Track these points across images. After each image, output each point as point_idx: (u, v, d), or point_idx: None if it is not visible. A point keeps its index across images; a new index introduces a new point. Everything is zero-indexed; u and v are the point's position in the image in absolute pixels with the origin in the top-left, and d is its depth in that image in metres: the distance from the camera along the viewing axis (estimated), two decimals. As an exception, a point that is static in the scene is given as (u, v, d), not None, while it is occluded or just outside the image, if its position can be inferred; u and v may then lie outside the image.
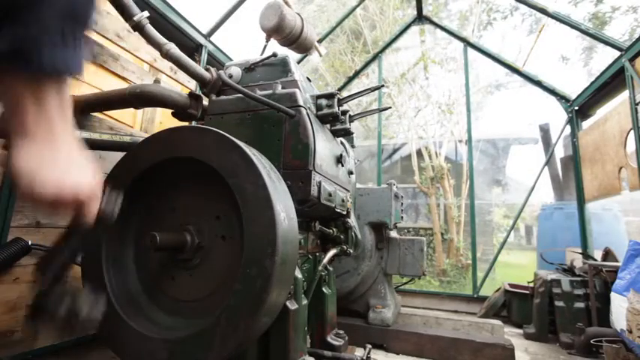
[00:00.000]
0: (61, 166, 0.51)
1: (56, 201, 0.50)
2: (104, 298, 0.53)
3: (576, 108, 3.88)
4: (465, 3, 8.55)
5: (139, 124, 2.53)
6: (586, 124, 3.94)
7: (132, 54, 2.42)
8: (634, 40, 2.90)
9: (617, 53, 3.12)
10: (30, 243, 1.77)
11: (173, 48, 1.57)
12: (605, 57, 3.33)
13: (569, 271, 3.27)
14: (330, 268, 1.89)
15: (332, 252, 1.83)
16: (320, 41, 4.67)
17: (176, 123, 1.77)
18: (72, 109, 0.52)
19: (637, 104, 2.78)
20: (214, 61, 3.27)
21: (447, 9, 8.82)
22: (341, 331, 1.88)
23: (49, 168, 0.49)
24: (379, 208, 2.70)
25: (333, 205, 1.64)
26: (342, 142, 2.07)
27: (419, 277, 2.77)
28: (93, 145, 1.81)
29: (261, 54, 2.02)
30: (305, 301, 1.44)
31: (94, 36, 2.27)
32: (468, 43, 4.59)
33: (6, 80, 0.43)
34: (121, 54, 2.33)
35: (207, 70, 1.68)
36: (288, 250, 1.09)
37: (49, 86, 0.46)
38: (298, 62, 4.43)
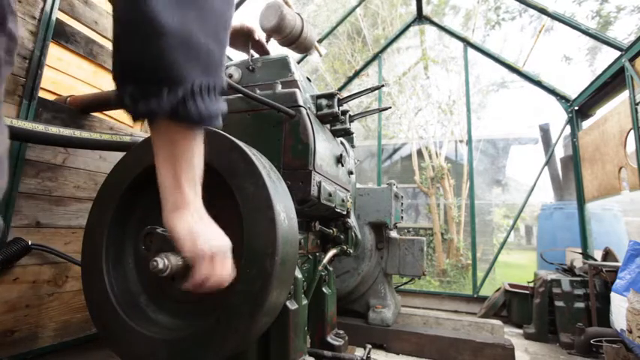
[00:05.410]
0: (212, 228, 0.68)
1: (212, 256, 0.64)
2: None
3: (576, 108, 3.88)
4: (469, 2, 8.54)
5: (139, 124, 2.53)
6: (586, 124, 3.93)
7: (132, 54, 2.42)
8: (634, 39, 2.90)
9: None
10: (30, 243, 1.77)
11: (173, 48, 1.56)
12: (610, 57, 3.32)
13: (569, 271, 3.27)
14: (330, 268, 1.89)
15: (332, 252, 1.83)
16: (320, 41, 4.68)
17: (176, 123, 1.77)
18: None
19: (637, 104, 2.78)
20: (214, 61, 3.27)
21: (449, 5, 8.79)
22: (341, 331, 1.88)
23: (206, 231, 0.66)
24: (379, 208, 2.70)
25: (333, 205, 1.64)
26: (342, 142, 2.07)
27: (419, 277, 2.77)
28: (93, 145, 1.81)
29: (261, 54, 2.02)
30: (305, 301, 1.44)
31: (94, 35, 2.27)
32: (468, 43, 4.59)
33: (165, 130, 0.59)
34: (121, 54, 2.32)
35: (207, 70, 1.68)
36: (288, 250, 1.09)
37: (194, 132, 0.63)
38: (298, 62, 4.43)
